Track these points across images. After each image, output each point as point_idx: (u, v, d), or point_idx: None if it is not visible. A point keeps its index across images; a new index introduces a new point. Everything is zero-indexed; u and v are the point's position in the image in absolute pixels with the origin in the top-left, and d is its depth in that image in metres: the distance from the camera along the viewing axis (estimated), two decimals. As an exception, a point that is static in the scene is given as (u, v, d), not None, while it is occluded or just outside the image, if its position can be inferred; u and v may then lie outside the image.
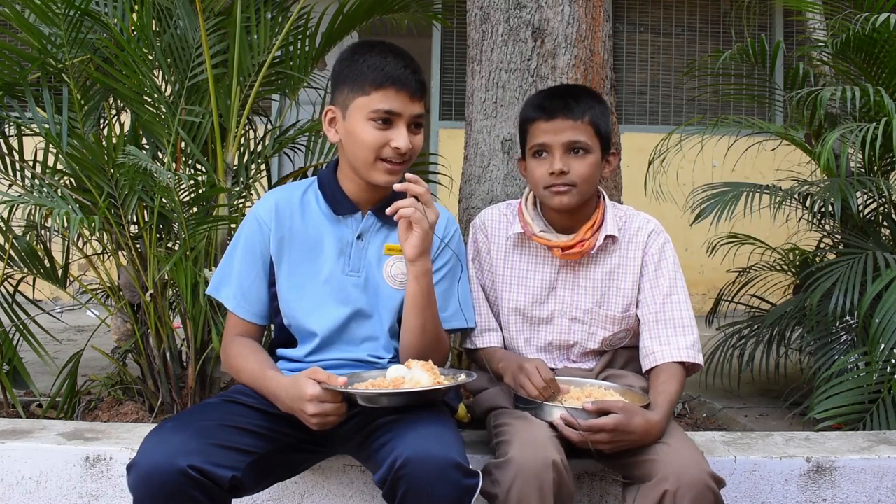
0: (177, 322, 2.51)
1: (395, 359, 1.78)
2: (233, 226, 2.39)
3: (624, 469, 1.69)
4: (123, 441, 1.96)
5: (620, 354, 1.98)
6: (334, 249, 1.77)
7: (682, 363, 1.85)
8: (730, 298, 3.28)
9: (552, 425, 1.66)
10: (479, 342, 1.96)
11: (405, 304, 1.73)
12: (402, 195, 1.65)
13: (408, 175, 1.64)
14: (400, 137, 1.68)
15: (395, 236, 1.76)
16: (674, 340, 1.86)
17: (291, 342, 1.81)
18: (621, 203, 2.43)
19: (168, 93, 2.45)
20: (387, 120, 1.68)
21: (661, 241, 1.93)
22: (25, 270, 2.52)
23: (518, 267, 1.96)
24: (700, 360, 1.86)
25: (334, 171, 1.81)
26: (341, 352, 1.77)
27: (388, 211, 1.65)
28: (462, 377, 1.62)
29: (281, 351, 1.82)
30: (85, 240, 2.58)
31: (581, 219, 1.91)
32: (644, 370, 1.89)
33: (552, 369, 1.95)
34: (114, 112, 2.60)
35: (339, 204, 1.78)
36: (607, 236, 1.90)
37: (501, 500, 1.53)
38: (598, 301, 1.92)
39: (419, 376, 1.57)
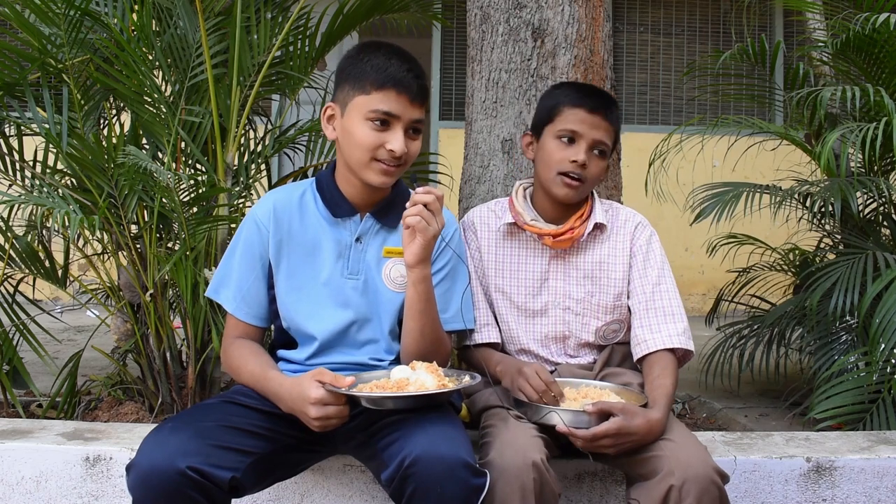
0: (177, 322, 2.51)
1: (397, 361, 1.78)
2: (233, 226, 2.39)
3: (627, 467, 1.69)
4: (123, 441, 1.96)
5: (617, 351, 1.98)
6: (332, 252, 1.76)
7: (673, 352, 1.86)
8: (730, 298, 3.28)
9: (555, 429, 1.66)
10: (477, 337, 1.96)
11: (405, 308, 1.72)
12: (405, 199, 1.65)
13: (420, 188, 1.63)
14: (395, 140, 1.66)
15: (394, 239, 1.76)
16: (664, 328, 1.88)
17: (292, 344, 1.81)
18: (621, 203, 2.44)
19: (168, 93, 2.45)
20: (384, 121, 1.67)
21: (648, 233, 1.98)
22: (25, 270, 2.52)
23: (510, 259, 1.98)
24: (691, 346, 1.89)
25: (332, 174, 1.80)
26: (342, 355, 1.76)
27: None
28: (466, 379, 1.62)
29: (282, 352, 1.82)
30: (85, 240, 2.58)
31: (571, 210, 1.95)
32: (636, 358, 1.91)
33: (553, 364, 1.96)
34: (114, 112, 2.60)
35: (338, 206, 1.77)
36: (596, 224, 1.94)
37: (483, 501, 1.53)
38: (590, 290, 1.95)
39: (423, 378, 1.57)
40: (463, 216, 2.50)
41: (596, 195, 1.99)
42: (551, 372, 1.93)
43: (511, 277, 1.98)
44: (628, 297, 1.95)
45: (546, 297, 1.96)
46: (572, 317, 1.96)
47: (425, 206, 1.62)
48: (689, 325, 1.92)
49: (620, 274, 1.95)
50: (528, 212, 1.96)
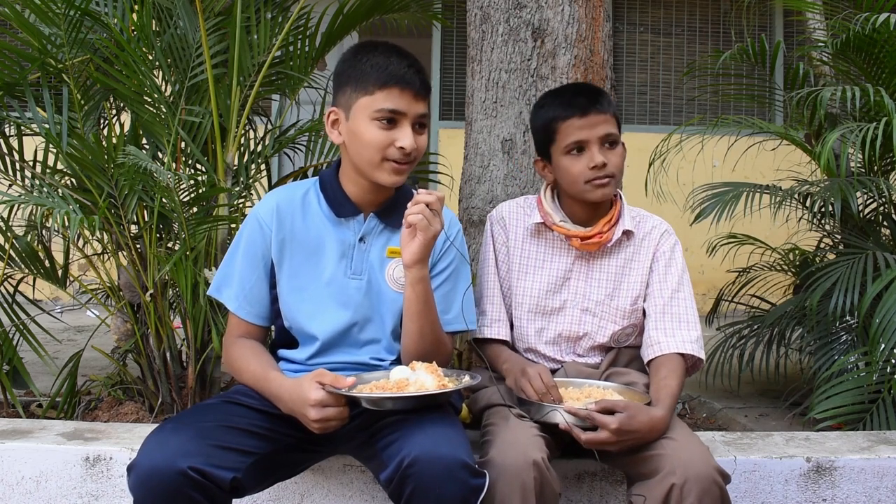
0: (177, 322, 2.51)
1: (398, 361, 1.78)
2: (233, 226, 2.39)
3: (629, 466, 1.69)
4: (123, 441, 1.96)
5: (624, 353, 1.99)
6: (336, 252, 1.76)
7: (683, 358, 1.86)
8: (730, 298, 3.28)
9: (557, 427, 1.66)
10: (487, 332, 1.97)
11: (403, 309, 1.72)
12: (408, 200, 1.65)
13: (422, 190, 1.64)
14: (405, 137, 1.67)
15: (398, 239, 1.75)
16: (678, 333, 1.88)
17: (293, 343, 1.81)
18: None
19: (168, 93, 2.45)
20: (391, 120, 1.67)
21: (673, 241, 1.99)
22: (25, 270, 2.52)
23: (535, 256, 1.99)
24: (702, 355, 1.89)
25: (336, 173, 1.80)
26: (343, 355, 1.76)
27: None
28: (466, 379, 1.62)
29: (282, 352, 1.82)
30: (85, 240, 2.58)
31: (599, 213, 1.95)
32: (646, 360, 1.91)
33: (559, 362, 1.96)
34: (114, 112, 2.60)
35: (341, 206, 1.77)
36: (624, 231, 1.94)
37: (483, 500, 1.53)
38: (610, 293, 1.95)
39: (423, 378, 1.57)
40: (463, 216, 2.51)
41: (624, 200, 1.99)
42: (556, 370, 1.93)
43: (534, 273, 1.98)
44: (644, 300, 1.95)
45: (565, 295, 1.96)
46: (590, 318, 1.96)
47: (427, 205, 1.62)
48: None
49: (640, 278, 1.95)
50: (557, 213, 1.96)
